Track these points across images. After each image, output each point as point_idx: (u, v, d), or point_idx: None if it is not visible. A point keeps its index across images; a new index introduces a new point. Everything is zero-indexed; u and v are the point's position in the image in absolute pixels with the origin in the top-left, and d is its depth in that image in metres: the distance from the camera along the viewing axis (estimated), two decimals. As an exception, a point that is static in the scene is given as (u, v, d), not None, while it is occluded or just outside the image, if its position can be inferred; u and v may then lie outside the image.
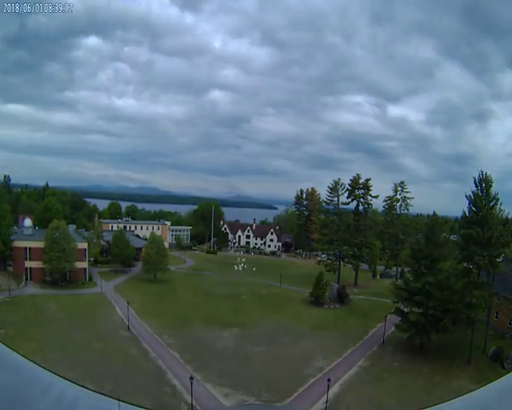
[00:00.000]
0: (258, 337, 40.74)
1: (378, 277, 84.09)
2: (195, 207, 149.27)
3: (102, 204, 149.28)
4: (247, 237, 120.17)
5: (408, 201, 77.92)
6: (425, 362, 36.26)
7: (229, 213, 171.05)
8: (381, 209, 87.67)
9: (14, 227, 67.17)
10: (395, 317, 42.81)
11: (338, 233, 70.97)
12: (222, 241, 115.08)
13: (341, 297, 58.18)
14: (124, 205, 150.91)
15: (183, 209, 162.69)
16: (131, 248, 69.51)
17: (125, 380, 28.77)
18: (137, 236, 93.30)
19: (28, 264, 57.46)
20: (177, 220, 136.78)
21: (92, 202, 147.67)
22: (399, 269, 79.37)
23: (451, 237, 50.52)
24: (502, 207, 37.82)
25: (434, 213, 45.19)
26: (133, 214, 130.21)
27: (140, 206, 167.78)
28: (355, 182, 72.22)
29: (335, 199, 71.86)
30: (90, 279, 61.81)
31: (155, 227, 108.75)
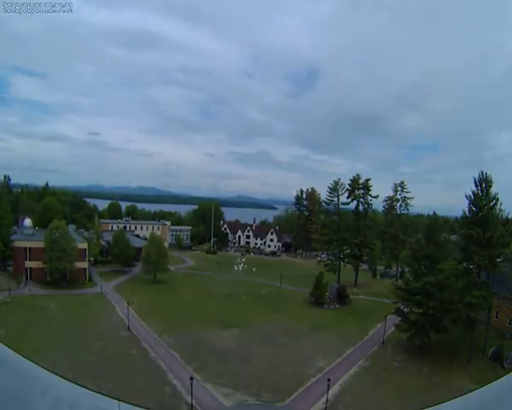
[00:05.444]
0: (259, 337, 40.72)
1: (378, 277, 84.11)
2: (195, 207, 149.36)
3: (102, 204, 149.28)
4: (247, 237, 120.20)
5: (408, 201, 78.10)
6: (425, 362, 36.25)
7: (230, 213, 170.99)
8: (381, 209, 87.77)
9: (14, 227, 67.26)
10: (395, 317, 42.81)
11: (338, 233, 70.94)
12: (222, 241, 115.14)
13: (341, 297, 58.15)
14: (124, 205, 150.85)
15: (183, 209, 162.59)
16: (131, 249, 69.51)
17: (124, 380, 28.76)
18: (137, 236, 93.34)
19: (28, 264, 57.51)
20: (177, 220, 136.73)
21: (92, 202, 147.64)
22: (399, 269, 79.38)
23: (451, 237, 50.54)
24: (502, 208, 37.89)
25: (434, 213, 45.25)
26: (133, 214, 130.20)
27: (140, 206, 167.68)
28: (355, 182, 72.25)
29: (335, 199, 71.89)
30: (90, 279, 61.86)
31: (155, 227, 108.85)
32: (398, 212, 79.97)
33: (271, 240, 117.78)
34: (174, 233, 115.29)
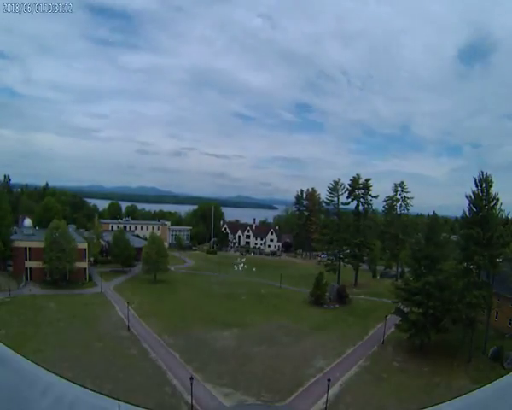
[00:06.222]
0: (258, 337, 40.72)
1: (378, 277, 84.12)
2: (195, 207, 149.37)
3: (102, 204, 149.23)
4: (247, 237, 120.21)
5: (408, 201, 78.13)
6: (425, 362, 36.26)
7: (230, 213, 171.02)
8: (381, 209, 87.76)
9: (14, 227, 67.21)
10: (395, 317, 42.82)
11: (338, 233, 70.94)
12: (222, 241, 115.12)
13: (341, 297, 58.15)
14: (124, 205, 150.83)
15: (183, 209, 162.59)
16: (131, 249, 69.52)
17: (125, 380, 28.79)
18: (137, 236, 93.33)
19: (28, 264, 57.52)
20: (177, 220, 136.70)
21: (92, 202, 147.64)
22: (399, 269, 79.39)
23: (451, 237, 50.55)
24: (502, 208, 37.89)
25: (434, 213, 45.27)
26: (133, 214, 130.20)
27: (140, 206, 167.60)
28: (355, 182, 72.26)
29: (335, 199, 71.90)
30: (90, 279, 61.88)
31: (155, 227, 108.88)
32: (398, 212, 79.99)
33: (271, 240, 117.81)
34: (174, 233, 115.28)
